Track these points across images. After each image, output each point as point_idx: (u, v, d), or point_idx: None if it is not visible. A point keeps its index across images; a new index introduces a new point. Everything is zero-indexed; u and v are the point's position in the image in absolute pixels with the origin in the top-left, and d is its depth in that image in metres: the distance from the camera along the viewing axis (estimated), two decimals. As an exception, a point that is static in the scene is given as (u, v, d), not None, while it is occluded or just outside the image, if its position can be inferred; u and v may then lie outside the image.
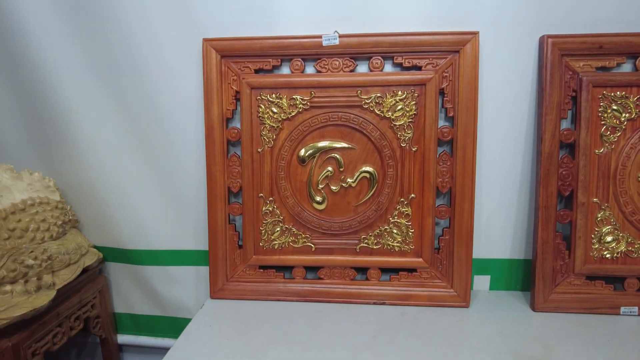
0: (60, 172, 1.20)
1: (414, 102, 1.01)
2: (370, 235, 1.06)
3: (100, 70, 1.10)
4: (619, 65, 0.99)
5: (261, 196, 1.07)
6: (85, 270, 1.13)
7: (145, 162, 1.15)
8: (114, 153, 1.16)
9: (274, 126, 1.05)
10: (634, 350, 0.88)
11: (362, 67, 1.05)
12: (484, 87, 1.03)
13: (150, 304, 1.26)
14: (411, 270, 1.07)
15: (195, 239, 1.18)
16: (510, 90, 1.04)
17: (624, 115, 0.99)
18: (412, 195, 1.04)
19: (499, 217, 1.09)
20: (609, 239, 1.01)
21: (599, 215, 1.01)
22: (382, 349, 0.90)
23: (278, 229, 1.08)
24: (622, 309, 1.00)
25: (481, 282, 1.13)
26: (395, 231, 1.06)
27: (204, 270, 1.18)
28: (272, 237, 1.08)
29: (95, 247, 1.23)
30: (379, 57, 1.02)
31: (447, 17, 1.01)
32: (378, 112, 1.02)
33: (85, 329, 1.15)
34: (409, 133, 1.02)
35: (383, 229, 1.06)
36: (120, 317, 1.29)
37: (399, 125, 1.02)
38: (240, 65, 1.05)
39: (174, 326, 1.27)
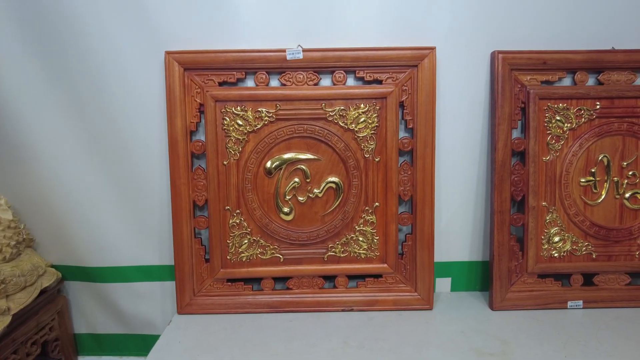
0: (13, 189, 1.14)
1: (375, 115, 1.05)
2: (338, 244, 1.09)
3: (57, 84, 1.06)
4: (560, 79, 1.08)
5: (228, 209, 1.07)
6: (43, 292, 1.08)
7: (106, 176, 1.12)
8: (72, 168, 1.11)
9: (239, 138, 1.05)
10: (580, 340, 0.96)
11: (326, 81, 1.07)
12: (441, 100, 1.09)
13: (114, 322, 1.22)
14: (377, 276, 1.10)
15: (160, 253, 1.16)
16: (465, 102, 1.10)
17: (566, 125, 1.07)
18: (377, 203, 1.08)
19: (457, 222, 1.15)
20: (556, 239, 1.09)
21: (548, 218, 1.09)
22: (352, 354, 0.92)
23: (246, 241, 1.08)
24: (569, 303, 1.09)
25: (443, 284, 1.19)
26: (361, 239, 1.09)
27: (170, 286, 1.16)
28: (240, 250, 1.08)
29: (53, 266, 1.18)
30: (342, 71, 1.05)
31: (407, 33, 1.06)
32: (342, 124, 1.05)
33: (43, 353, 1.10)
34: (372, 144, 1.06)
35: (349, 237, 1.09)
36: (81, 337, 1.24)
37: (362, 136, 1.06)
38: (204, 78, 1.04)
39: (139, 344, 1.24)
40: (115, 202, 1.13)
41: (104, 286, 1.18)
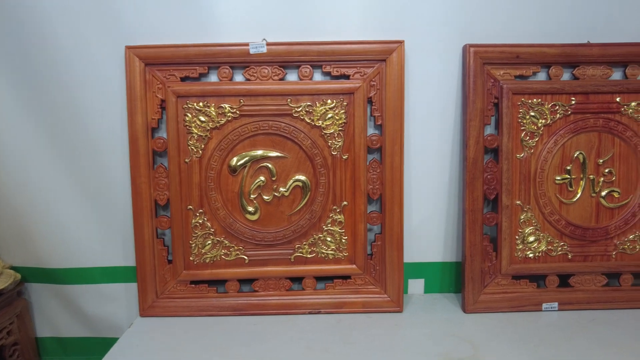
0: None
1: (343, 111, 1.02)
2: (305, 244, 1.05)
3: (17, 80, 1.03)
4: (534, 73, 1.04)
5: (190, 208, 1.03)
6: (-1, 294, 1.05)
7: (68, 175, 1.09)
8: (33, 166, 1.08)
9: (202, 135, 1.01)
10: (553, 344, 0.93)
11: (292, 76, 1.04)
12: (412, 95, 1.05)
13: (79, 325, 1.18)
14: (346, 277, 1.07)
15: (125, 254, 1.12)
16: (437, 97, 1.06)
17: (540, 121, 1.04)
18: (345, 202, 1.04)
19: (430, 222, 1.12)
20: (531, 239, 1.06)
21: (522, 217, 1.05)
22: (315, 359, 0.89)
23: (209, 242, 1.05)
24: (544, 305, 1.05)
25: (416, 286, 1.15)
26: (329, 239, 1.05)
27: (135, 287, 1.12)
28: (203, 251, 1.05)
29: (14, 267, 1.14)
30: (308, 66, 1.02)
31: (375, 27, 1.02)
32: (308, 121, 1.02)
33: (0, 357, 1.07)
34: (339, 141, 1.02)
35: (317, 237, 1.05)
36: (44, 341, 1.20)
37: (329, 133, 1.02)
38: (166, 74, 1.01)
39: (105, 347, 1.18)
40: (78, 201, 1.10)
41: (68, 288, 1.14)
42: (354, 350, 0.92)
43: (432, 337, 0.96)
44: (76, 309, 1.16)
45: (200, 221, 1.04)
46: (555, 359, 0.88)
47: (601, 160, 1.05)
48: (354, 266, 1.06)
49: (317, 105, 1.01)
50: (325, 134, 1.02)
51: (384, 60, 1.00)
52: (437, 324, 1.01)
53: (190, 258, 1.05)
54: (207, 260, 1.05)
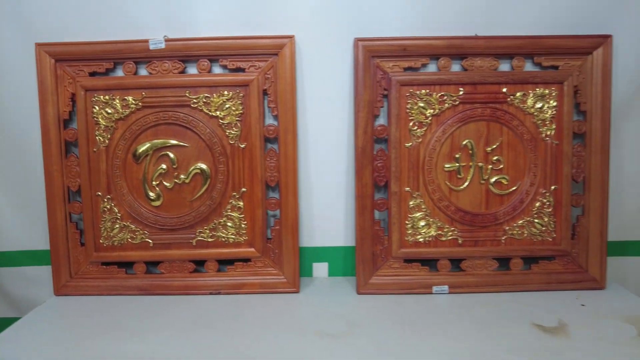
0: None
1: (240, 102, 1.08)
2: (206, 229, 1.12)
3: None
4: (424, 65, 1.09)
5: (99, 194, 1.11)
6: None
7: None
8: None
9: (108, 126, 1.09)
10: (441, 325, 0.96)
11: (194, 69, 1.11)
12: (308, 87, 1.11)
13: (5, 307, 1.26)
14: (246, 260, 1.13)
15: (46, 238, 1.19)
16: (333, 89, 1.12)
17: (429, 111, 1.08)
18: (244, 189, 1.10)
19: (331, 208, 1.17)
20: (421, 224, 1.10)
21: (412, 203, 1.10)
22: (197, 333, 0.94)
23: (117, 226, 1.12)
24: (434, 288, 1.09)
25: (321, 269, 1.20)
26: (229, 224, 1.11)
27: (57, 270, 1.20)
28: (112, 234, 1.12)
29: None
30: (206, 60, 1.08)
31: (269, 22, 1.09)
32: (206, 111, 1.08)
33: None
34: (236, 131, 1.09)
35: (218, 222, 1.11)
36: (-26, 321, 1.29)
37: (226, 123, 1.08)
38: (75, 69, 1.09)
39: None
40: (0, 188, 1.18)
41: (-5, 271, 1.23)
42: (234, 326, 0.96)
43: (316, 316, 1.01)
44: (2, 291, 1.25)
45: (108, 206, 1.11)
46: (428, 335, 0.91)
47: (489, 149, 1.09)
48: (252, 249, 1.12)
49: (215, 96, 1.08)
50: (223, 123, 1.08)
51: (277, 54, 1.07)
52: (327, 304, 1.06)
53: (100, 241, 1.12)
54: (116, 243, 1.12)
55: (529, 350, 0.86)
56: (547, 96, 1.08)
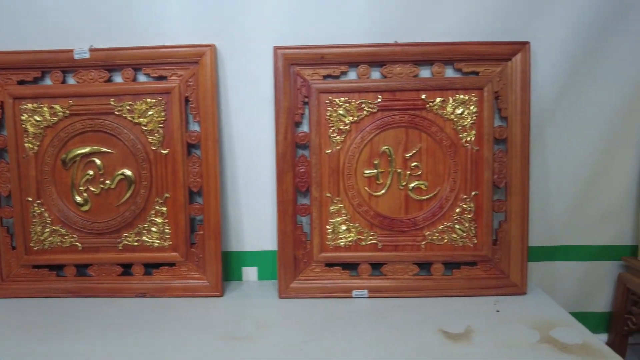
0: None
1: (162, 109, 1.10)
2: (131, 234, 1.14)
3: None
4: (344, 73, 1.11)
5: (29, 200, 1.14)
6: None
7: None
8: None
9: (37, 133, 1.12)
10: (350, 328, 0.97)
11: (120, 79, 1.13)
12: (231, 94, 1.14)
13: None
14: (172, 264, 1.15)
15: (-15, 242, 1.24)
16: (256, 96, 1.14)
17: (348, 118, 1.10)
18: (167, 194, 1.13)
19: (259, 213, 1.19)
20: (342, 228, 1.12)
21: (332, 208, 1.11)
22: (117, 334, 0.97)
23: (47, 230, 1.15)
24: (354, 292, 1.11)
25: (250, 273, 1.22)
26: (153, 229, 1.14)
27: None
28: (42, 238, 1.15)
29: None
30: (130, 69, 1.11)
31: (192, 31, 1.11)
32: (130, 119, 1.11)
33: None
34: (159, 137, 1.11)
35: (142, 227, 1.14)
36: None
37: (149, 130, 1.11)
38: (4, 77, 1.12)
39: None
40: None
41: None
42: (167, 329, 0.99)
43: (231, 319, 1.02)
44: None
45: (39, 211, 1.14)
46: (326, 340, 0.93)
47: (408, 155, 1.10)
48: (176, 254, 1.14)
49: (138, 104, 1.10)
50: (146, 130, 1.11)
51: (198, 62, 1.09)
52: (248, 308, 1.08)
53: (31, 244, 1.15)
54: (46, 247, 1.15)
55: (429, 356, 0.88)
56: (467, 102, 1.09)
